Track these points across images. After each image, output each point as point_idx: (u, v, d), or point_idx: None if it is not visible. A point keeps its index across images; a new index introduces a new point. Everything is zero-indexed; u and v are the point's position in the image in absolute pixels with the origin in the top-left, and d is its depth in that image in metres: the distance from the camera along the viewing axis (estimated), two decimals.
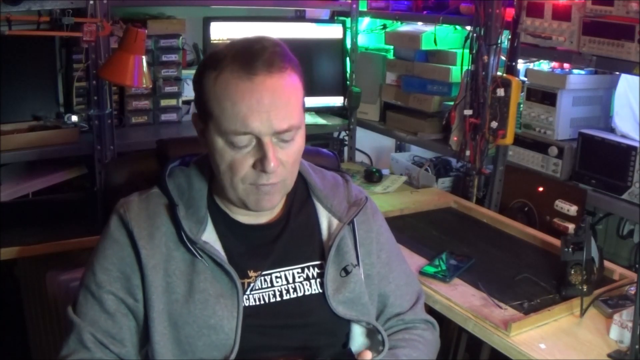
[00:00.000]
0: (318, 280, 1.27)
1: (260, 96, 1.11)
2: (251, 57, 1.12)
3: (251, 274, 1.22)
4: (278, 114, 1.12)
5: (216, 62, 1.15)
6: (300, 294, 1.25)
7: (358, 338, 1.29)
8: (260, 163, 1.13)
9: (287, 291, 1.24)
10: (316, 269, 1.28)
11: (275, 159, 1.13)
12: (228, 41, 1.21)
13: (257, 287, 1.22)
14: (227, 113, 1.12)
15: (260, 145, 1.13)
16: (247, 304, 1.20)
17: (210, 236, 1.22)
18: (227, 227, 1.24)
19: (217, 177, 1.21)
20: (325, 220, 1.32)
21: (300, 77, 1.18)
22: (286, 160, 1.17)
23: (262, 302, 1.22)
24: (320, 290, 1.26)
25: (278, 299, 1.23)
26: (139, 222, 1.20)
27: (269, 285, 1.23)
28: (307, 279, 1.27)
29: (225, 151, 1.15)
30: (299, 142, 1.19)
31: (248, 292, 1.21)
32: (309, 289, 1.26)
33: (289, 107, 1.14)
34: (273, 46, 1.15)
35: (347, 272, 1.28)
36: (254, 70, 1.11)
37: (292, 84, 1.16)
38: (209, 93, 1.15)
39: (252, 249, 1.24)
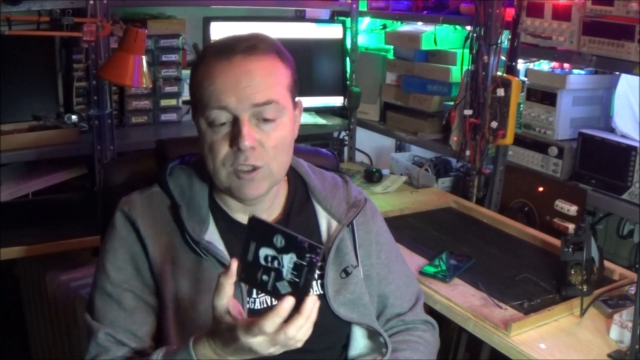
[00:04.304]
0: (319, 281, 1.27)
1: (236, 74, 1.13)
2: (231, 44, 1.15)
3: None
4: (254, 89, 1.13)
5: (201, 55, 1.19)
6: None
7: (359, 340, 1.29)
8: (235, 140, 1.13)
9: None
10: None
11: (250, 137, 1.12)
12: None
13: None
14: (206, 92, 1.14)
15: (236, 123, 1.13)
16: (252, 307, 1.20)
17: (212, 236, 1.21)
18: (227, 227, 1.24)
19: (207, 168, 1.21)
20: (325, 221, 1.31)
21: (287, 66, 1.19)
22: (266, 142, 1.15)
23: (265, 305, 1.22)
24: (321, 292, 1.26)
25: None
26: (144, 220, 1.20)
27: None
28: None
29: (207, 133, 1.16)
30: (283, 128, 1.18)
31: (255, 296, 1.21)
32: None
33: (268, 82, 1.15)
34: (264, 37, 1.18)
35: (347, 273, 1.28)
36: (232, 53, 1.14)
37: (274, 65, 1.17)
38: (194, 82, 1.18)
39: None
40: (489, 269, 1.84)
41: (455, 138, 2.53)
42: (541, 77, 2.30)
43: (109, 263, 1.20)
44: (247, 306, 1.19)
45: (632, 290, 1.66)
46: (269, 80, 1.15)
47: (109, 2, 2.22)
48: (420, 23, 2.81)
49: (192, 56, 2.93)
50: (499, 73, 2.36)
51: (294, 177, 1.33)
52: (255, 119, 1.14)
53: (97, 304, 1.19)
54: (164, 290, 1.17)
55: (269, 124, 1.16)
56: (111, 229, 1.23)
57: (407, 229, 2.14)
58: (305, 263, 0.94)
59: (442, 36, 2.65)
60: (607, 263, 1.82)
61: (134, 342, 1.16)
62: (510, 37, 2.30)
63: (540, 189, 2.28)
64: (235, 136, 1.13)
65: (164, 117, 2.76)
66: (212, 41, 1.23)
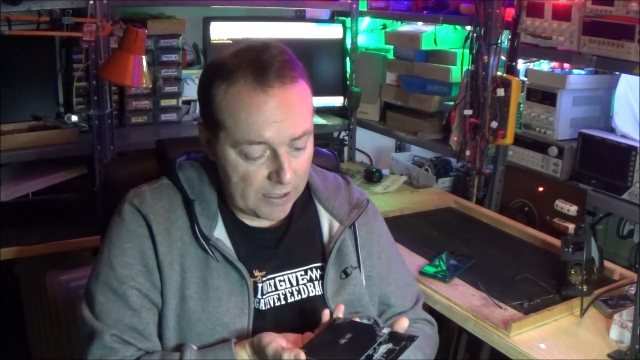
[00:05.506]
0: (320, 281, 1.27)
1: (274, 108, 1.11)
2: (263, 68, 1.11)
3: (256, 273, 1.22)
4: (293, 122, 1.12)
5: (226, 73, 1.13)
6: (305, 296, 1.25)
7: None
8: (277, 174, 1.13)
9: (292, 294, 1.24)
10: (318, 271, 1.28)
11: (291, 169, 1.13)
12: (229, 42, 1.21)
13: (264, 291, 1.22)
14: (241, 124, 1.11)
15: (275, 156, 1.13)
16: (257, 307, 1.20)
17: (220, 233, 1.21)
18: (233, 226, 1.24)
19: (226, 186, 1.20)
20: (327, 222, 1.32)
21: (308, 82, 1.18)
22: (299, 168, 1.17)
23: (269, 306, 1.22)
24: (321, 292, 1.26)
25: (283, 302, 1.23)
26: (155, 216, 1.18)
27: (274, 289, 1.23)
28: (311, 280, 1.27)
29: (238, 163, 1.14)
30: (309, 149, 1.19)
31: (259, 296, 1.21)
32: (313, 290, 1.26)
33: (303, 114, 1.14)
34: (281, 54, 1.14)
35: (347, 274, 1.28)
36: (268, 83, 1.10)
37: (303, 92, 1.15)
38: (220, 104, 1.13)
39: (256, 250, 1.24)
40: (489, 269, 1.84)
41: (455, 138, 2.53)
42: (541, 77, 2.30)
43: (115, 257, 1.17)
44: (253, 306, 1.19)
45: (632, 290, 1.66)
46: (304, 110, 1.15)
47: (109, 2, 2.22)
48: (420, 23, 2.81)
49: (192, 56, 2.93)
50: (499, 73, 2.36)
51: None
52: (289, 148, 1.15)
53: (99, 298, 1.16)
54: (170, 289, 1.16)
55: (300, 151, 1.16)
56: (119, 221, 1.20)
57: (407, 229, 2.14)
58: (397, 347, 1.05)
59: (442, 36, 2.66)
60: (607, 263, 1.82)
61: (140, 342, 1.15)
62: (510, 37, 2.30)
63: (540, 189, 2.28)
64: (276, 170, 1.13)
65: (164, 117, 2.76)
66: (240, 47, 1.16)
